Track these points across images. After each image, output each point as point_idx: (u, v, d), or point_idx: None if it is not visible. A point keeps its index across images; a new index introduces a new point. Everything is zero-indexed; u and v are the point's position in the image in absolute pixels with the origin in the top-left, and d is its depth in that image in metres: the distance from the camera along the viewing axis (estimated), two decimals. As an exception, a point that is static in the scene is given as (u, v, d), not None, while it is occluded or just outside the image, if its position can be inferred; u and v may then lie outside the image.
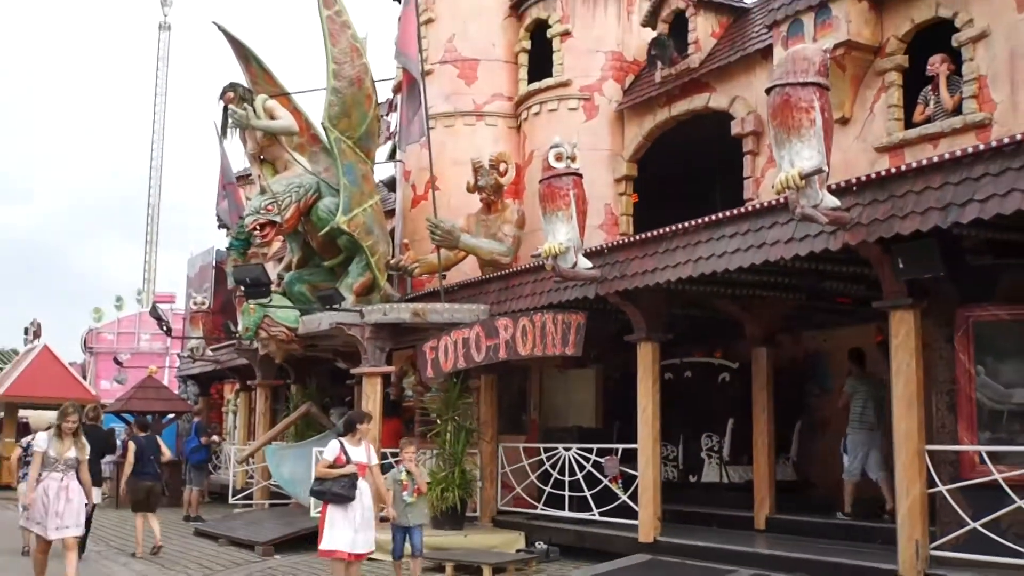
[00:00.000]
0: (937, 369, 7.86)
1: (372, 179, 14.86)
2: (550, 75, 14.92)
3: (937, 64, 10.22)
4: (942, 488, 7.40)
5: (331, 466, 8.45)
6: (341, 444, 8.60)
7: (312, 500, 11.40)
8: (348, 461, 8.43)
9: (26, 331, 38.68)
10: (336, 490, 8.33)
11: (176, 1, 52.86)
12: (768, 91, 7.46)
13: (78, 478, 9.07)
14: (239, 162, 19.58)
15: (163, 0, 52.60)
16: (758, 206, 8.53)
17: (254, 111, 14.69)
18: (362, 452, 8.68)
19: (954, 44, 10.18)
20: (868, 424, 10.31)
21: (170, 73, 52.68)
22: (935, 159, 6.94)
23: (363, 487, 8.53)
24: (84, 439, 9.17)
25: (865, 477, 10.22)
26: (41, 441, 9.00)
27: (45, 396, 26.63)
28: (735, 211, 8.69)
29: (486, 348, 11.24)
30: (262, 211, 14.00)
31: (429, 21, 15.45)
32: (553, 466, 11.35)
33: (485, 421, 12.94)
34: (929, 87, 10.36)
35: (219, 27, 15.82)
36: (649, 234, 9.69)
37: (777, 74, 7.54)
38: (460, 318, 11.93)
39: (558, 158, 10.37)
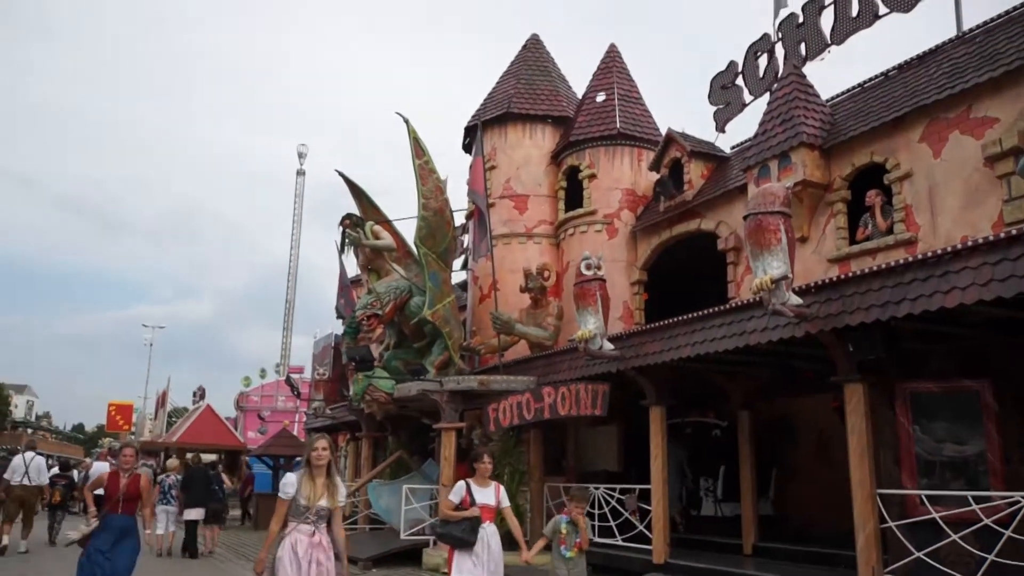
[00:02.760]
0: (883, 429, 7.58)
1: (450, 283, 14.93)
2: (581, 206, 15.01)
3: (873, 196, 10.15)
4: (891, 524, 7.05)
5: (457, 508, 6.30)
6: (467, 485, 6.42)
7: (433, 539, 10.84)
8: (472, 503, 6.29)
9: (194, 393, 39.20)
10: (456, 533, 6.22)
11: (308, 154, 54.14)
12: (745, 217, 7.43)
13: (330, 533, 5.37)
14: (352, 270, 19.83)
15: (299, 153, 54.22)
16: (739, 303, 8.39)
17: (364, 233, 14.96)
18: (490, 494, 6.41)
19: (886, 182, 10.11)
20: None
21: (304, 205, 53.80)
22: (874, 268, 6.81)
23: (490, 531, 6.32)
24: (338, 480, 5.45)
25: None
26: (289, 485, 5.25)
27: (207, 443, 26.75)
28: (722, 307, 8.57)
29: (534, 409, 11.08)
30: (369, 307, 14.18)
31: (492, 168, 15.70)
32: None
33: (534, 465, 12.70)
34: (867, 213, 10.26)
35: (340, 174, 16.24)
36: (657, 324, 9.59)
37: (751, 205, 7.51)
38: (515, 387, 11.81)
39: (587, 267, 10.38)
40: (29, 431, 75.52)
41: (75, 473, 20.70)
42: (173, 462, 16.61)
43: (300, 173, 54.17)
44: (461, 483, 6.51)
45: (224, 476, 16.93)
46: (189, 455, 20.62)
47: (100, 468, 16.54)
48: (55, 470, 17.04)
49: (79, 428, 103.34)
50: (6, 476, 13.84)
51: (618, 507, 10.65)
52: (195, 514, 13.84)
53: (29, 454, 14.15)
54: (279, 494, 5.32)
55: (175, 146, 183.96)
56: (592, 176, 14.97)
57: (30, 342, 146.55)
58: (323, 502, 5.24)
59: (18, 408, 79.72)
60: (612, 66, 16.41)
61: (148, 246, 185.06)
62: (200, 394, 37.42)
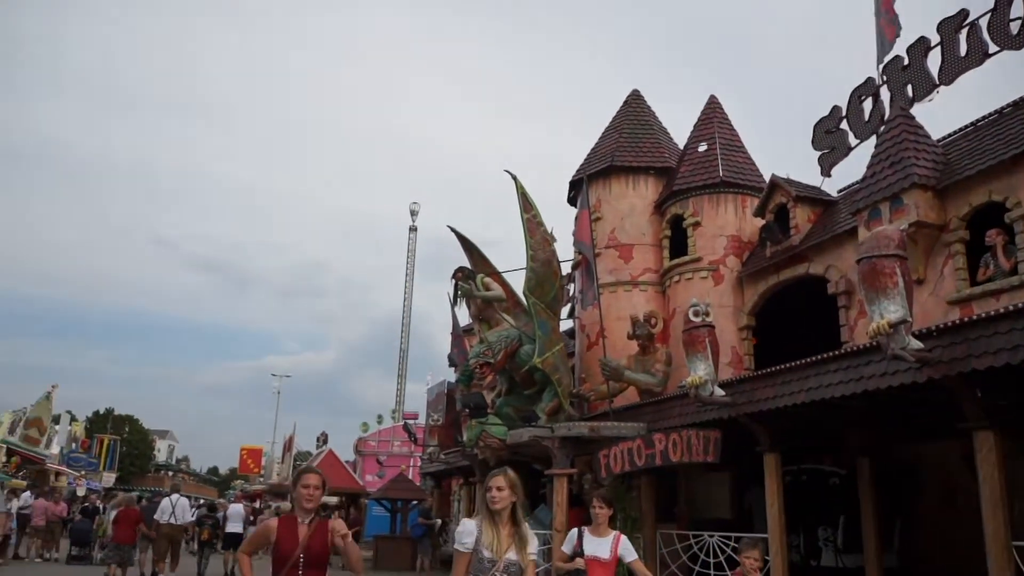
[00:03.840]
0: (1018, 478, 7.03)
1: (558, 331, 14.93)
2: (686, 253, 14.80)
3: (994, 235, 9.59)
4: (1030, 578, 6.50)
5: (571, 558, 5.57)
6: (579, 534, 5.68)
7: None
8: (581, 554, 5.47)
9: (318, 438, 40.35)
10: None
11: (420, 211, 55.83)
12: (858, 261, 7.15)
13: None
14: (464, 320, 20.15)
15: (412, 211, 55.99)
16: (856, 348, 8.03)
17: (476, 285, 15.20)
18: (605, 545, 5.52)
19: (1006, 220, 9.53)
20: None
21: (416, 261, 55.35)
22: (1002, 309, 6.40)
23: None
24: (527, 528, 4.18)
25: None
26: (467, 534, 4.07)
27: (330, 486, 27.48)
28: (837, 352, 8.22)
29: (646, 456, 10.85)
30: (481, 355, 14.33)
31: (597, 219, 15.73)
32: (700, 549, 10.68)
33: (646, 511, 12.37)
34: (988, 253, 9.69)
35: (452, 229, 16.63)
36: (769, 370, 9.26)
37: (864, 248, 7.21)
38: (625, 433, 11.63)
39: (696, 314, 10.19)
40: (171, 474, 79.52)
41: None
42: (286, 505, 17.40)
43: (412, 230, 55.85)
44: (574, 531, 5.80)
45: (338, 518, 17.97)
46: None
47: (236, 511, 17.45)
48: (203, 510, 18.22)
49: (214, 471, 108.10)
50: (156, 516, 14.85)
51: (734, 556, 10.21)
52: None
53: (175, 496, 15.41)
54: (455, 545, 4.15)
55: (301, 209, 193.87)
56: (696, 224, 14.77)
57: (172, 391, 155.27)
58: (511, 555, 4.01)
59: (161, 452, 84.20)
60: (713, 116, 16.29)
61: (277, 302, 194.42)
62: (323, 439, 38.53)
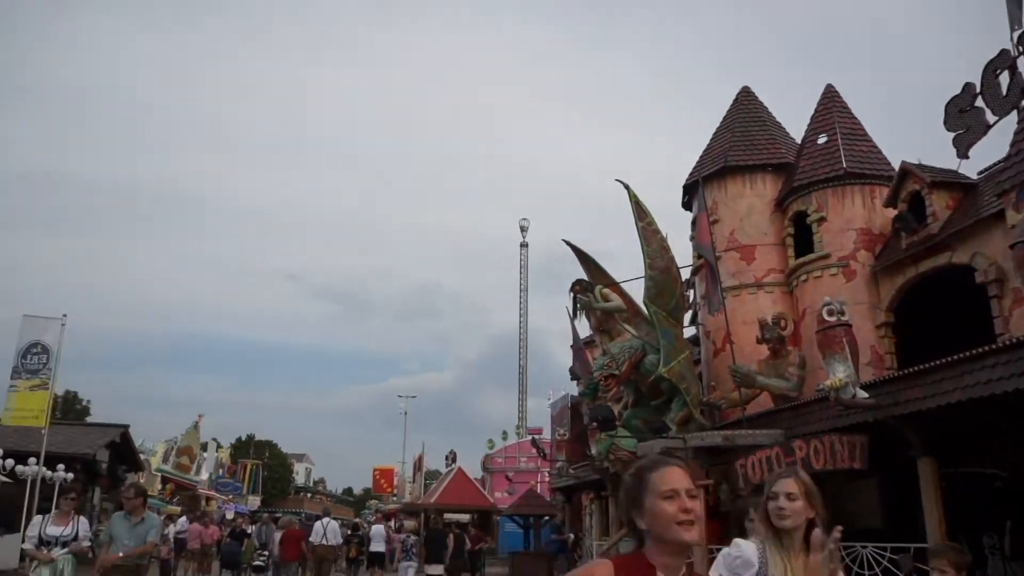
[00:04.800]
0: None
1: (683, 338, 14.62)
2: (812, 251, 14.20)
3: None
4: None
5: None
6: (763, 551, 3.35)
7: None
8: None
9: (446, 457, 41.13)
10: None
11: (530, 227, 56.26)
12: (1012, 246, 6.64)
13: None
14: (584, 332, 20.05)
15: (522, 227, 56.48)
16: (1015, 340, 7.44)
17: (594, 297, 15.11)
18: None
19: None
20: None
21: (529, 276, 55.73)
22: None
23: None
24: (829, 557, 2.80)
25: None
26: (745, 565, 3.00)
27: (461, 504, 27.83)
28: (995, 345, 7.64)
29: (785, 464, 10.41)
30: (605, 367, 14.18)
31: (715, 222, 15.32)
32: (853, 561, 10.13)
33: (788, 522, 11.83)
34: None
35: (567, 243, 16.63)
36: (917, 368, 8.70)
37: (1017, 232, 6.70)
38: (761, 441, 11.20)
39: (830, 313, 9.75)
40: (309, 495, 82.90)
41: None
42: (410, 523, 18.23)
43: (523, 246, 56.34)
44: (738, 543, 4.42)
45: (466, 536, 18.74)
46: (433, 517, 22.06)
47: (378, 531, 18.56)
48: (347, 530, 19.67)
49: (348, 491, 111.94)
50: (311, 538, 16.59)
51: (891, 568, 9.62)
52: (435, 569, 15.76)
53: (326, 519, 17.21)
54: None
55: (412, 235, 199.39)
56: (822, 219, 14.15)
57: (306, 416, 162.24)
58: None
59: (299, 475, 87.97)
60: (831, 106, 15.60)
61: (396, 325, 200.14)
62: (451, 457, 39.22)
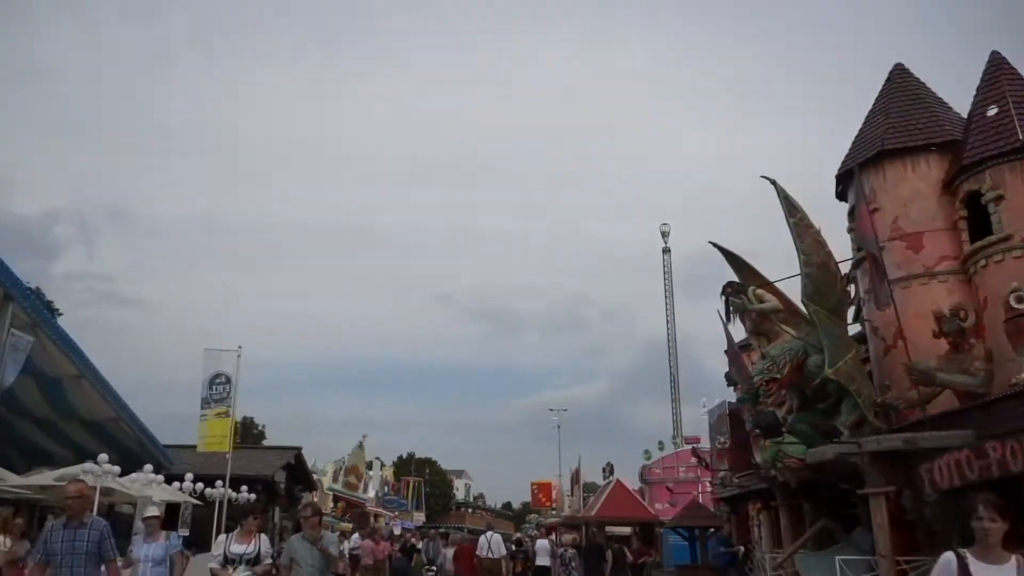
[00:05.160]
0: None
1: (847, 337, 13.78)
2: (990, 233, 13.01)
3: None
4: None
5: None
6: (961, 559, 3.78)
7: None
8: None
9: (603, 469, 40.85)
10: None
11: (671, 232, 55.25)
12: None
13: None
14: (739, 336, 19.36)
15: (663, 232, 55.57)
16: None
17: (748, 299, 14.55)
18: (1009, 574, 3.70)
19: None
20: None
21: (673, 282, 54.65)
22: None
23: None
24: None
25: None
26: None
27: (621, 516, 27.51)
28: None
29: (978, 467, 9.53)
30: (765, 372, 13.60)
31: (875, 210, 14.38)
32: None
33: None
34: None
35: (714, 244, 16.13)
36: None
37: None
38: (948, 443, 10.31)
39: (1019, 300, 8.90)
40: (470, 511, 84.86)
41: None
42: (567, 537, 18.48)
43: (666, 251, 55.39)
44: (950, 557, 3.86)
45: (626, 549, 18.78)
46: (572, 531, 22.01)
47: (543, 546, 18.89)
48: (511, 545, 20.31)
49: (507, 506, 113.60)
50: (476, 552, 17.27)
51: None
52: None
53: (490, 533, 18.02)
54: None
55: (554, 248, 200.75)
56: (999, 197, 12.95)
57: (462, 433, 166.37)
58: None
59: (459, 491, 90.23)
60: (999, 74, 14.28)
61: (545, 340, 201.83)
62: (608, 469, 38.90)
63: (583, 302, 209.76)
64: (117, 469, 15.80)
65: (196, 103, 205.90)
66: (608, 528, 27.37)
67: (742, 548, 20.69)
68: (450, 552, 18.77)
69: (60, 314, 35.54)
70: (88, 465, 14.95)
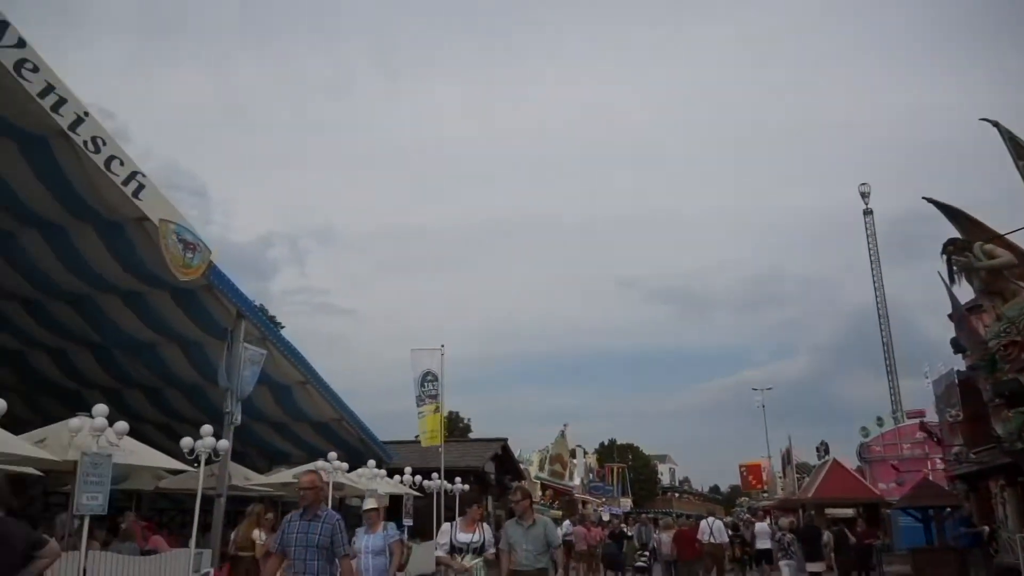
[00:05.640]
0: None
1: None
2: None
3: None
4: None
5: None
6: None
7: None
8: None
9: (817, 448, 38.78)
10: None
11: (871, 193, 51.18)
12: None
13: None
14: (964, 296, 17.58)
15: (862, 193, 51.71)
16: None
17: (975, 256, 13.15)
18: None
19: None
20: None
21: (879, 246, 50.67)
22: None
23: None
24: None
25: None
26: None
27: (841, 496, 25.96)
28: None
29: None
30: (1003, 334, 12.22)
31: None
32: None
33: None
34: None
35: (929, 200, 14.73)
36: None
37: None
38: None
39: None
40: (676, 495, 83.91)
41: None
42: (784, 520, 17.86)
43: (867, 213, 51.42)
44: None
45: (847, 531, 18.23)
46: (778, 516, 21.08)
47: (763, 528, 18.46)
48: (729, 530, 20.37)
49: (715, 489, 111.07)
50: (698, 536, 17.54)
51: None
52: (816, 567, 15.93)
53: (711, 518, 18.34)
54: None
55: (741, 222, 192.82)
56: None
57: (661, 417, 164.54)
58: None
59: (663, 475, 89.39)
60: None
61: (739, 317, 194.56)
62: (823, 449, 36.88)
63: (776, 276, 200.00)
64: (345, 465, 17.07)
65: (381, 121, 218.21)
66: (828, 510, 25.91)
67: (986, 528, 18.77)
68: (665, 536, 18.74)
69: (283, 327, 38.98)
70: (320, 463, 16.25)
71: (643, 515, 31.35)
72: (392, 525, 8.89)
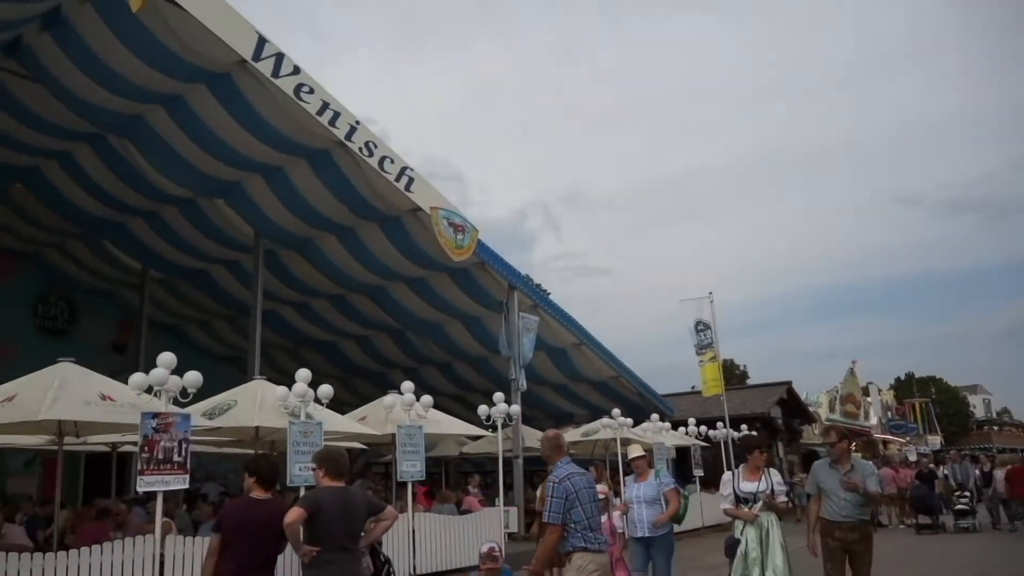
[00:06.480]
0: None
1: None
2: None
3: None
4: None
5: None
6: None
7: None
8: None
9: None
10: None
11: None
12: None
13: None
14: None
15: None
16: None
17: None
18: None
19: None
20: None
21: None
22: None
23: None
24: None
25: None
26: None
27: None
28: None
29: None
30: None
31: None
32: None
33: None
34: None
35: None
36: None
37: None
38: None
39: None
40: (996, 428, 75.06)
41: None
42: None
43: None
44: None
45: None
46: None
47: None
48: None
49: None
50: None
51: None
52: None
53: None
54: None
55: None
56: None
57: (967, 344, 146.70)
58: None
59: (976, 408, 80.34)
60: None
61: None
62: None
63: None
64: (630, 421, 17.38)
65: (614, 77, 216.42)
66: None
67: None
68: (999, 473, 17.06)
69: (549, 293, 40.48)
70: (605, 420, 16.69)
71: (954, 451, 28.43)
72: (664, 472, 8.57)
